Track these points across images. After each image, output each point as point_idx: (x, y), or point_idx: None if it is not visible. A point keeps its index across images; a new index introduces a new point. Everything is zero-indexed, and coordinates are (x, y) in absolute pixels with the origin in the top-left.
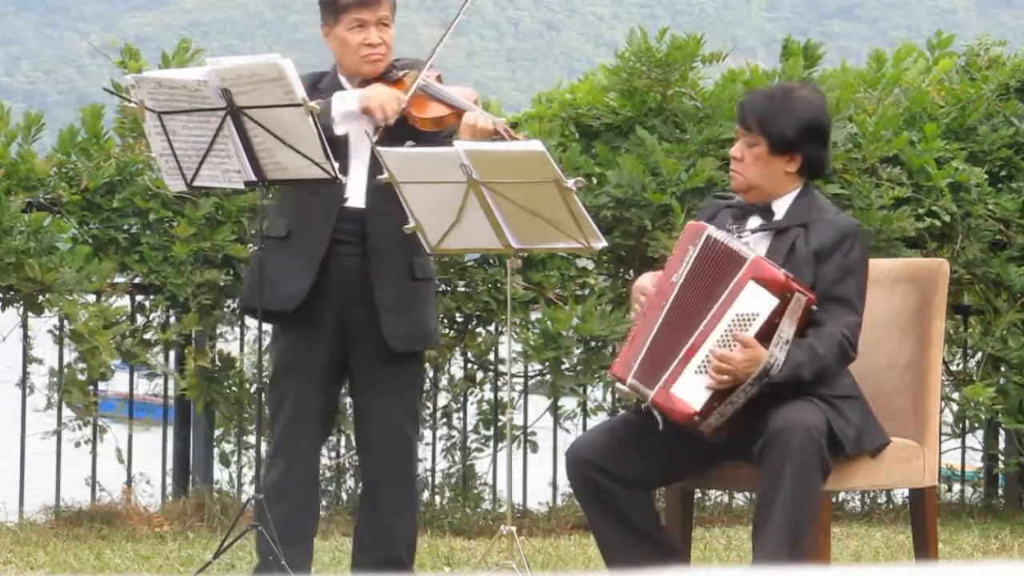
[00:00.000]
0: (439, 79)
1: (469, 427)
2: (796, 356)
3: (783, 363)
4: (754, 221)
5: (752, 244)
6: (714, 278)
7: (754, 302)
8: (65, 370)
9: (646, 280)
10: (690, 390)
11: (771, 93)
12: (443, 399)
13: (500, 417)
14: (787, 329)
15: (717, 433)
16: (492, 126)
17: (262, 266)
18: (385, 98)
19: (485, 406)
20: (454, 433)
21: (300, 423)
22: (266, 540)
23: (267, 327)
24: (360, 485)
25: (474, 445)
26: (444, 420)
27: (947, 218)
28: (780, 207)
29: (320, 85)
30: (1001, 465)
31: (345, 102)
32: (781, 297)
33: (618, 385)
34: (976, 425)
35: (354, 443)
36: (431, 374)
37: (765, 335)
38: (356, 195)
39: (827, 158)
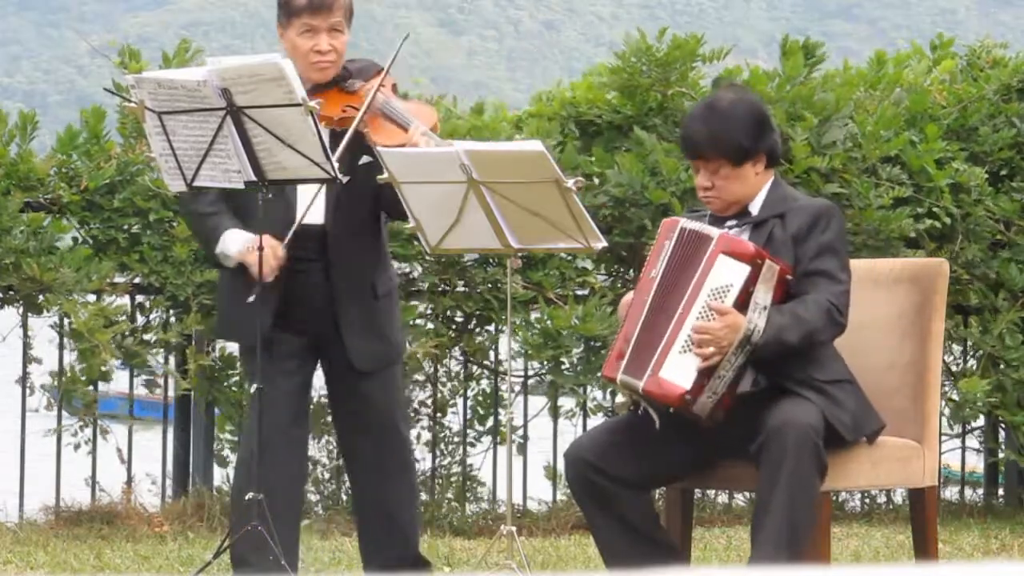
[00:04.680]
0: (394, 88)
1: (464, 424)
2: (777, 320)
3: (764, 328)
4: (732, 221)
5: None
6: (687, 262)
7: (726, 274)
8: (65, 370)
9: (630, 297)
10: (677, 371)
11: (703, 115)
12: (439, 393)
13: (500, 416)
14: (763, 296)
15: (713, 417)
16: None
17: (222, 296)
18: (264, 256)
19: (481, 400)
20: (451, 427)
21: (277, 432)
22: (244, 540)
23: None
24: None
25: (469, 440)
26: (440, 415)
27: (947, 220)
28: (755, 205)
29: None
30: (1001, 458)
31: (229, 247)
32: (752, 264)
33: (618, 400)
34: (973, 421)
35: (338, 448)
36: (430, 371)
37: (742, 304)
38: (314, 211)
39: (779, 141)
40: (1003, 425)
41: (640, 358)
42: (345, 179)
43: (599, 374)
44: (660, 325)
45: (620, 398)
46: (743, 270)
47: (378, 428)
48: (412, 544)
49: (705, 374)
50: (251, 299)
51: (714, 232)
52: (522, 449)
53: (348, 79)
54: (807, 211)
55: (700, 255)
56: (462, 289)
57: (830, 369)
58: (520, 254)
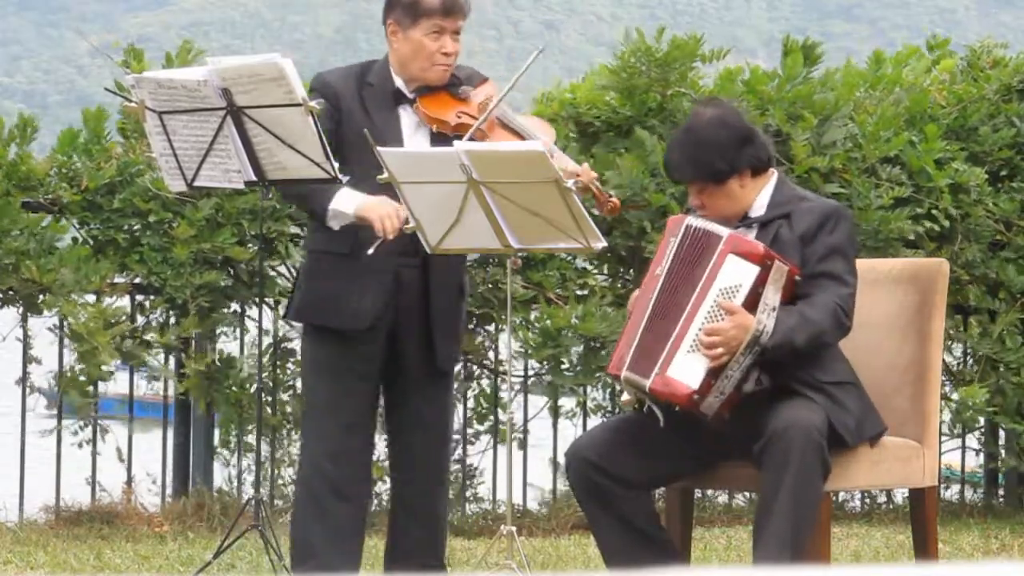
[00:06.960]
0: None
1: (464, 424)
2: (786, 321)
3: (773, 329)
4: (736, 223)
5: None
6: (695, 261)
7: (735, 274)
8: (65, 371)
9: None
10: (685, 370)
11: (680, 139)
12: None
13: (500, 416)
14: (772, 297)
15: (719, 416)
16: (577, 171)
17: (321, 279)
18: (386, 211)
19: (481, 400)
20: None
21: (353, 428)
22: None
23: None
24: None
25: (469, 440)
26: None
27: (946, 223)
28: (758, 208)
29: (369, 79)
30: (1000, 464)
31: (345, 203)
32: (761, 265)
33: (623, 397)
34: (973, 426)
35: (388, 451)
36: None
37: (751, 305)
38: None
39: (764, 149)
40: (1003, 428)
41: (646, 356)
42: (345, 179)
43: (599, 374)
44: (667, 323)
45: (625, 395)
46: (752, 270)
47: (436, 429)
48: (444, 551)
49: (713, 374)
50: (371, 251)
51: (723, 231)
52: (525, 448)
53: (459, 85)
54: (815, 212)
55: (709, 254)
56: None
57: (833, 370)
58: (520, 254)
